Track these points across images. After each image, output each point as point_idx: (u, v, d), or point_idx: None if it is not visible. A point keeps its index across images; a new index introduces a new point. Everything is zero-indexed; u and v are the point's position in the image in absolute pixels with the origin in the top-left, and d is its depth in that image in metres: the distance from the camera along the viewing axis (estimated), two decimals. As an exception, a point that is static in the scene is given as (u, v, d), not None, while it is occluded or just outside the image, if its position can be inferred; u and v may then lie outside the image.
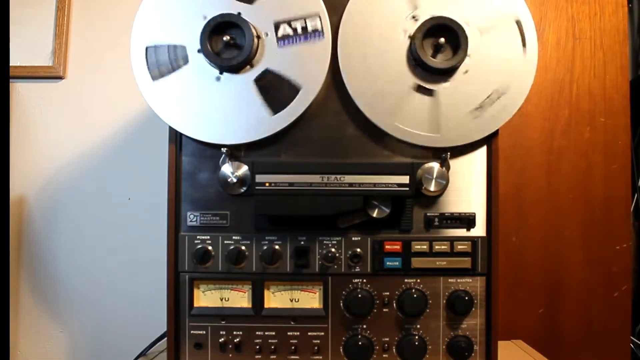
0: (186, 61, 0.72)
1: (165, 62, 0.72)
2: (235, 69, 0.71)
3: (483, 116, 0.72)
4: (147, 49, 0.72)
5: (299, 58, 0.72)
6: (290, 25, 0.71)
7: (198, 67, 0.72)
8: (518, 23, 0.72)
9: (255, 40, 0.70)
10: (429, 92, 0.72)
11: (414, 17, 0.72)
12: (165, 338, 0.79)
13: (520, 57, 0.72)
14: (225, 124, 0.72)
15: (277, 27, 0.72)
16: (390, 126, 0.72)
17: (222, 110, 0.72)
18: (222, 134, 0.72)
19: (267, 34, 0.72)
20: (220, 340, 0.75)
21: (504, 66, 0.72)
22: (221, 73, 0.72)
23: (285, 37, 0.71)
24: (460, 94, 0.72)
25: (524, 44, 0.72)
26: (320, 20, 0.71)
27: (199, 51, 0.71)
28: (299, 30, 0.71)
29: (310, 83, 0.71)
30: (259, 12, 0.72)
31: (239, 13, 0.71)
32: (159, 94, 0.72)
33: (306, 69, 0.72)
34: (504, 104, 0.72)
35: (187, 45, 0.72)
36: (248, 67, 0.72)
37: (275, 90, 0.72)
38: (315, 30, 0.71)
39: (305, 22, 0.71)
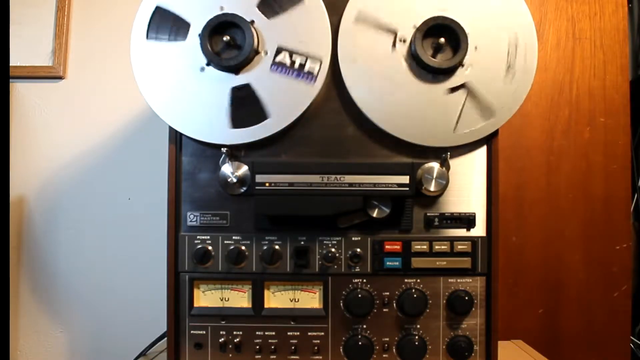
0: (184, 38, 0.72)
1: (166, 27, 0.72)
2: (224, 67, 0.71)
3: (517, 74, 0.72)
4: (157, 7, 0.72)
5: (282, 90, 0.71)
6: (291, 56, 0.71)
7: (190, 50, 0.72)
8: None
9: (253, 52, 0.70)
10: (460, 87, 0.72)
11: (402, 40, 0.72)
12: (165, 338, 0.79)
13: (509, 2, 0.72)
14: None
15: (278, 51, 0.71)
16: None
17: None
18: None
19: (266, 53, 0.72)
20: (220, 340, 0.75)
21: (500, 20, 0.72)
22: (207, 65, 0.72)
23: (280, 65, 0.71)
24: (484, 71, 0.72)
25: None
26: (320, 66, 0.71)
27: (198, 35, 0.71)
28: (296, 65, 0.71)
29: (279, 117, 0.71)
30: (271, 29, 0.72)
31: (252, 21, 0.71)
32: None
33: (282, 103, 0.71)
34: (524, 52, 0.72)
35: (192, 25, 0.72)
36: (234, 73, 0.72)
37: (245, 106, 0.72)
38: (310, 73, 0.71)
39: (306, 61, 0.71)
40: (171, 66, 0.72)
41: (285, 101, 0.72)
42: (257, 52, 0.71)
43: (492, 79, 0.72)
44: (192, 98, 0.72)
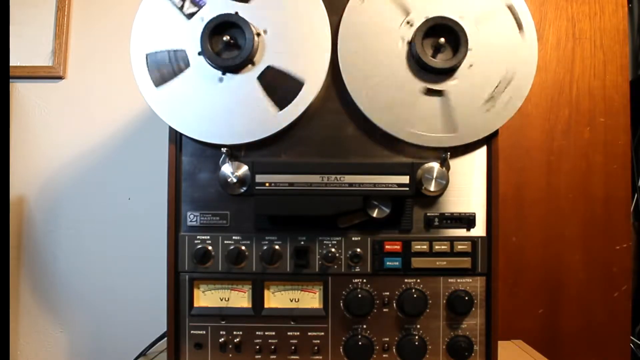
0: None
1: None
2: (237, 68, 0.71)
3: (496, 107, 0.72)
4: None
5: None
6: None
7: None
8: (510, 8, 0.72)
9: (255, 38, 0.70)
10: (438, 93, 0.72)
11: (408, 22, 0.72)
12: (165, 338, 0.79)
13: (519, 40, 0.72)
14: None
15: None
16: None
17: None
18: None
19: (265, 31, 0.72)
20: (220, 340, 0.75)
21: (505, 53, 0.72)
22: (224, 74, 0.72)
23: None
24: (469, 90, 0.72)
25: (520, 28, 0.72)
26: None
27: (199, 54, 0.71)
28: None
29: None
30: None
31: (236, 12, 0.71)
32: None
33: (307, 62, 0.71)
34: (513, 90, 0.72)
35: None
36: (250, 65, 0.71)
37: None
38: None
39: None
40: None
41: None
42: (258, 35, 0.71)
43: (471, 99, 0.72)
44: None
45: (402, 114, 0.72)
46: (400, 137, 0.72)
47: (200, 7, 0.70)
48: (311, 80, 0.71)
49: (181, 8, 0.71)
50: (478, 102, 0.72)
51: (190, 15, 0.71)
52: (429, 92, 0.72)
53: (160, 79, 0.72)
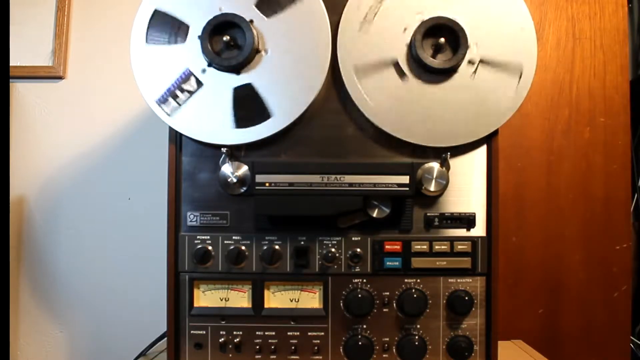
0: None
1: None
2: (225, 67, 0.71)
3: (490, 111, 0.72)
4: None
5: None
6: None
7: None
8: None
9: (254, 51, 0.70)
10: (436, 92, 0.72)
11: (410, 21, 0.72)
12: (165, 338, 0.79)
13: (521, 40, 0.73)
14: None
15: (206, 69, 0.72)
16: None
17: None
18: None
19: (266, 52, 0.72)
20: (220, 340, 0.75)
21: (508, 50, 0.72)
22: (208, 66, 0.71)
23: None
24: (465, 92, 0.72)
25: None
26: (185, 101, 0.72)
27: (199, 37, 0.71)
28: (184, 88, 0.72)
29: (282, 116, 0.71)
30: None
31: (251, 20, 0.71)
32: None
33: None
34: (509, 95, 0.72)
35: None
36: (235, 73, 0.71)
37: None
38: (177, 98, 0.72)
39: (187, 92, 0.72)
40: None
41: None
42: (257, 51, 0.71)
43: (469, 99, 0.72)
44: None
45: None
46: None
47: (187, 84, 0.71)
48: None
49: (176, 97, 0.71)
50: (471, 106, 0.72)
51: (189, 92, 0.72)
52: (428, 90, 0.72)
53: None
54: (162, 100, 0.72)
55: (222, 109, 0.72)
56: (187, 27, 0.72)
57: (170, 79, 0.72)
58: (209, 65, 0.71)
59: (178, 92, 0.71)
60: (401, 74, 0.72)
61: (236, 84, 0.72)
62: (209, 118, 0.72)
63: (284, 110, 0.71)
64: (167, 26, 0.72)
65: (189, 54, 0.72)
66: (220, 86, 0.72)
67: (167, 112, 0.72)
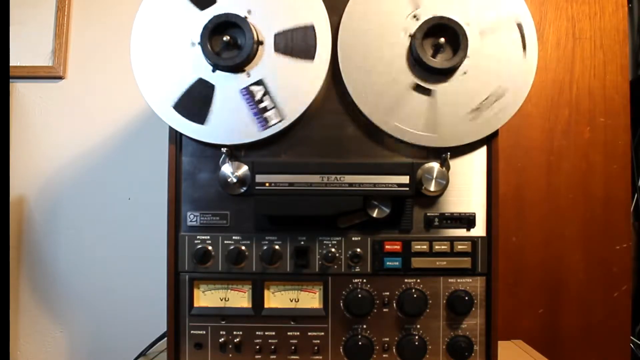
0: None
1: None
2: (230, 69, 0.71)
3: (480, 118, 0.72)
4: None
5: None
6: (264, 95, 0.71)
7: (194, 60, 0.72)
8: (519, 26, 0.72)
9: (256, 45, 0.70)
10: (427, 92, 0.72)
11: (414, 16, 0.72)
12: (165, 338, 0.79)
13: (520, 60, 0.72)
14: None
15: (258, 82, 0.71)
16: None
17: (220, 110, 0.72)
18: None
19: (262, 43, 0.71)
20: (220, 340, 0.75)
21: (503, 69, 0.72)
22: (213, 71, 0.71)
23: (250, 93, 0.72)
24: (458, 95, 0.72)
25: (524, 48, 0.72)
26: (279, 122, 0.71)
27: (198, 43, 0.71)
28: (261, 105, 0.71)
29: (289, 110, 0.72)
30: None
31: (249, 10, 0.71)
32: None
33: (291, 94, 0.71)
34: (501, 106, 0.72)
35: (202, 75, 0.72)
36: (240, 72, 0.71)
37: (262, 102, 0.71)
38: (265, 120, 0.71)
39: (272, 109, 0.71)
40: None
41: (287, 99, 0.71)
42: (260, 43, 0.71)
43: (458, 105, 0.72)
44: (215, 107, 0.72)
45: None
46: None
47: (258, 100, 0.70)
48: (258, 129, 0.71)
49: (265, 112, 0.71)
50: (464, 110, 0.72)
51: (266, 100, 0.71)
52: (418, 88, 0.72)
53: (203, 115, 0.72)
54: (262, 122, 0.71)
55: (220, 108, 0.72)
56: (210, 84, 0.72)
57: (246, 107, 0.71)
58: (214, 70, 0.71)
59: (262, 111, 0.71)
60: (401, 73, 0.72)
61: (245, 84, 0.71)
62: (207, 117, 0.72)
63: (289, 104, 0.71)
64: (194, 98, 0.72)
65: (189, 54, 0.72)
66: (223, 85, 0.72)
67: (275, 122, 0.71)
